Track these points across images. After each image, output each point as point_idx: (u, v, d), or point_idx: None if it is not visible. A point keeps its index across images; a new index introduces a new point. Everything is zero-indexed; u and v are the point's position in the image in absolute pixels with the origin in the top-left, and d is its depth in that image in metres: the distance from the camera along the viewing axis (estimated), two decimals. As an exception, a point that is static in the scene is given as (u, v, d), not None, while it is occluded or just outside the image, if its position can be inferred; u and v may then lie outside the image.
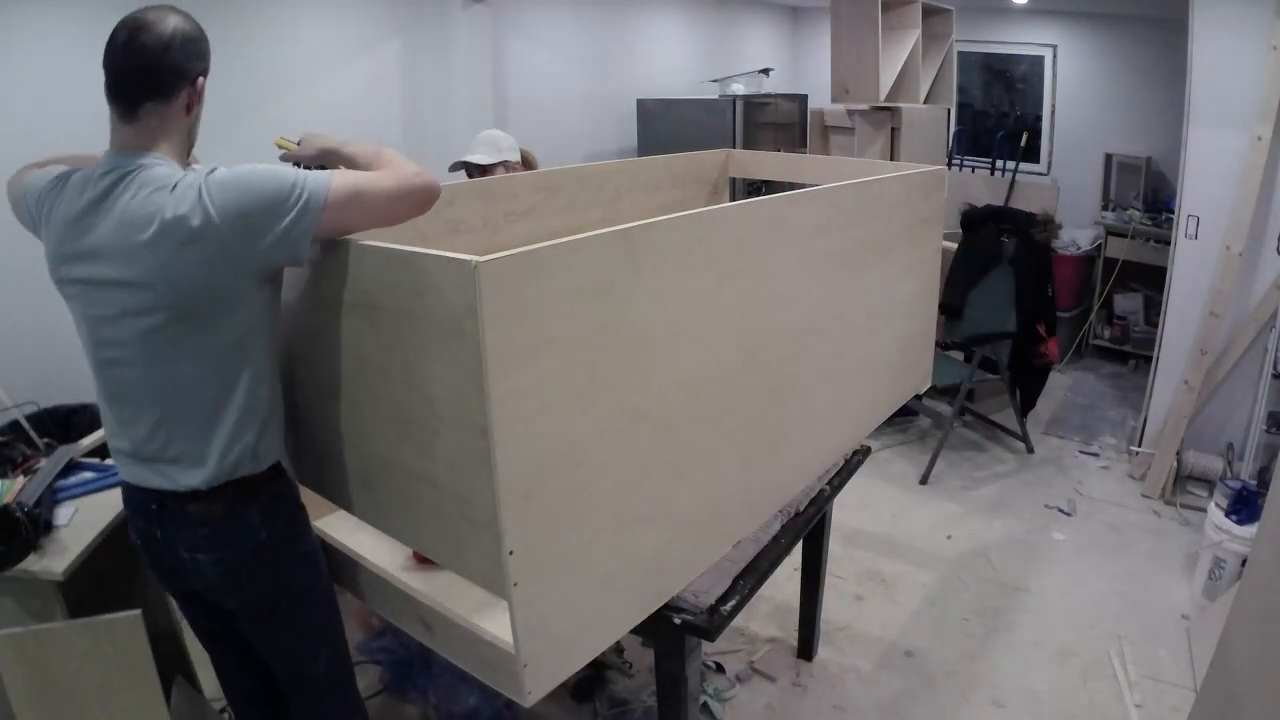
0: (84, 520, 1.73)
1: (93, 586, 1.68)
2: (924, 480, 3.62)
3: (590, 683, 2.31)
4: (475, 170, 2.72)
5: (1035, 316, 3.97)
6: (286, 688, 1.53)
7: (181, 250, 1.15)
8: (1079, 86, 5.53)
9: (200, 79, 1.27)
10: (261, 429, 1.31)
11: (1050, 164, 5.71)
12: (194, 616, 1.52)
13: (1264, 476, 3.08)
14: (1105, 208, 5.32)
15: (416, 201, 1.30)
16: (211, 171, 1.19)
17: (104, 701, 1.52)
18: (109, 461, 1.95)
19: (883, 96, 4.03)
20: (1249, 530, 2.58)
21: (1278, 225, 3.21)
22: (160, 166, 1.21)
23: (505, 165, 2.73)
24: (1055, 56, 5.57)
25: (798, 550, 2.15)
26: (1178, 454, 3.48)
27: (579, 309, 1.13)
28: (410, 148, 3.85)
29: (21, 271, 2.71)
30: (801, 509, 1.87)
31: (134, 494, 1.34)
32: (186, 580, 1.37)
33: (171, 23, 1.21)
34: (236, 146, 3.19)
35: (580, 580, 1.23)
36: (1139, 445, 3.69)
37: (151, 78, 1.21)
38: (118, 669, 1.52)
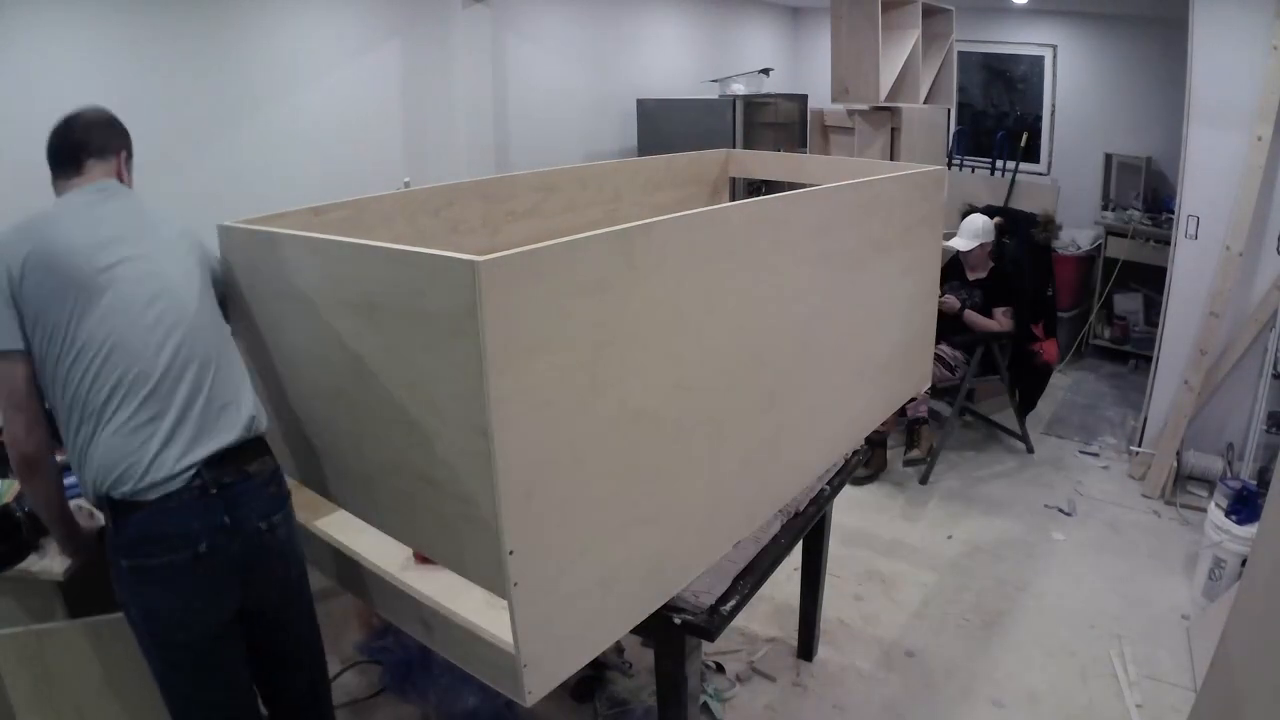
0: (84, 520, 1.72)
1: (93, 586, 1.68)
2: (924, 480, 3.62)
3: (590, 683, 2.31)
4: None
5: (1033, 316, 3.97)
6: (304, 694, 1.58)
7: None
8: (1079, 86, 5.53)
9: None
10: None
11: (1050, 164, 5.71)
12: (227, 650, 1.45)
13: (1264, 476, 3.08)
14: (1105, 208, 5.32)
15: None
16: None
17: (104, 701, 1.52)
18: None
19: (883, 96, 4.02)
20: (1249, 530, 2.58)
21: (1278, 225, 3.21)
22: None
23: (982, 246, 3.75)
24: (1055, 56, 5.56)
25: (798, 550, 2.15)
26: (1178, 454, 3.48)
27: (579, 309, 1.13)
28: (410, 148, 3.85)
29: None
30: (801, 509, 1.87)
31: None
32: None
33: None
34: (237, 146, 3.21)
35: (580, 580, 1.23)
36: (1139, 445, 3.69)
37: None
38: (118, 669, 1.52)
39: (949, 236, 3.59)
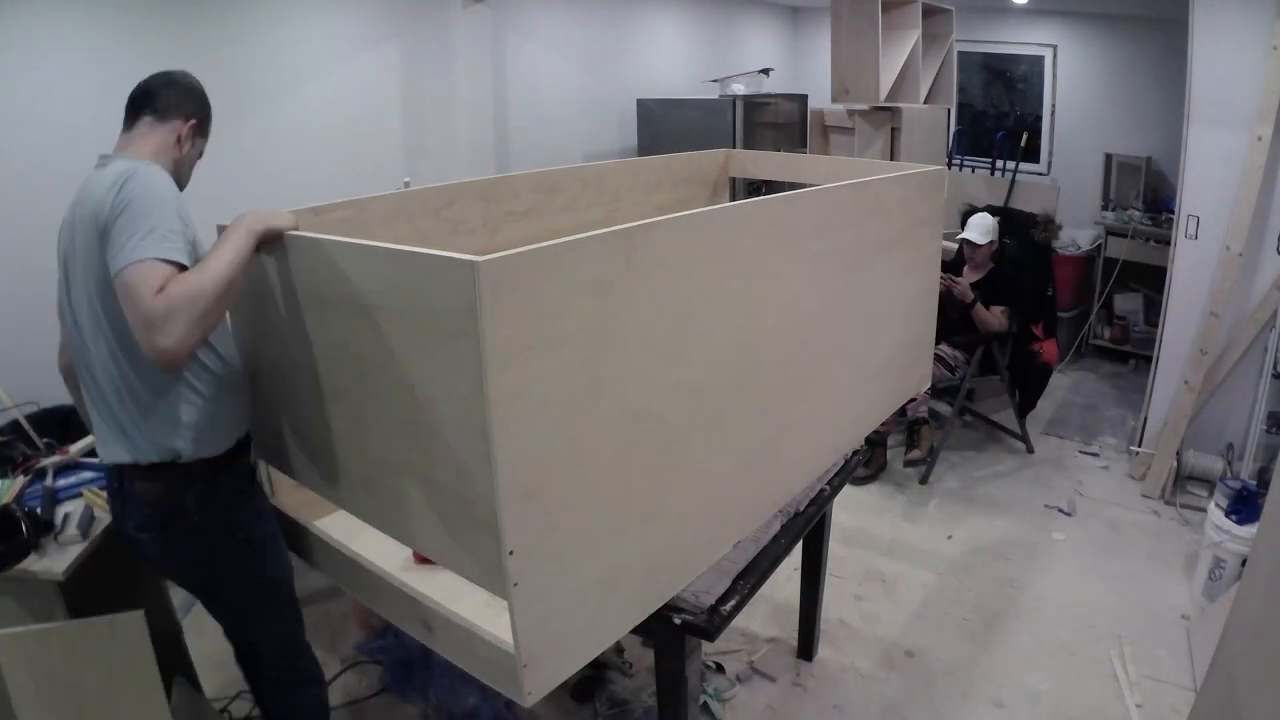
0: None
1: (93, 586, 1.68)
2: (924, 480, 3.62)
3: (590, 683, 2.32)
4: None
5: (1033, 316, 3.97)
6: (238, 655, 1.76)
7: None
8: (1079, 86, 5.53)
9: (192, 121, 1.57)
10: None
11: (1050, 164, 5.71)
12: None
13: (1264, 476, 3.08)
14: (1105, 208, 5.33)
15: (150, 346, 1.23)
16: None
17: (105, 701, 1.52)
18: (109, 461, 1.95)
19: (883, 96, 4.03)
20: (1249, 530, 2.58)
21: (1278, 225, 3.21)
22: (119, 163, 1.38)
23: (990, 244, 3.79)
24: (1055, 56, 5.56)
25: (798, 550, 2.15)
26: (1178, 454, 3.48)
27: (579, 309, 1.13)
28: (410, 148, 3.85)
29: (22, 272, 2.72)
30: (801, 509, 1.87)
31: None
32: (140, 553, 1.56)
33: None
34: (237, 146, 3.20)
35: (580, 580, 1.23)
36: (1139, 445, 3.69)
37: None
38: (119, 669, 1.52)
39: (950, 237, 3.59)
